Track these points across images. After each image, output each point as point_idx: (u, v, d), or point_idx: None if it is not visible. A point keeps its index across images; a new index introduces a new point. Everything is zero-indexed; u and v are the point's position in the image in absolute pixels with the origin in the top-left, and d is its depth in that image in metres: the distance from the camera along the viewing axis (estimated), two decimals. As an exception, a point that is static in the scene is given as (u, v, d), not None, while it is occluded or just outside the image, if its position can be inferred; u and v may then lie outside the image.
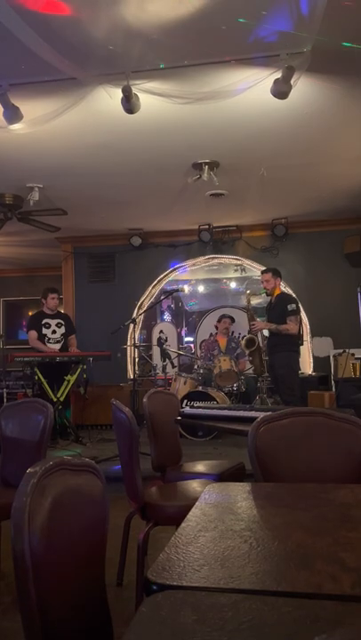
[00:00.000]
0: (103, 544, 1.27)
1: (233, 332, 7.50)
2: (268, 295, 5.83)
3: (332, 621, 0.82)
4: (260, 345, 5.95)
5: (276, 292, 5.77)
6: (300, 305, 5.92)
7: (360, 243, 6.91)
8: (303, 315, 7.40)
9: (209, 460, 3.49)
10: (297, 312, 5.60)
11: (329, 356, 7.22)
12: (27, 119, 3.79)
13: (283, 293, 5.93)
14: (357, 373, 6.71)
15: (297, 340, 5.61)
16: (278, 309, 5.58)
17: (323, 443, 1.96)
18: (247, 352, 6.10)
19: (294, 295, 6.45)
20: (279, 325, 5.48)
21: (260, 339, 6.03)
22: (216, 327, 7.47)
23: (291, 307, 5.52)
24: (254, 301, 6.57)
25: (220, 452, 5.37)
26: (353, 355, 6.81)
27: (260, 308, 6.88)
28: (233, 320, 7.40)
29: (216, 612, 0.85)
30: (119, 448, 2.67)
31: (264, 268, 6.13)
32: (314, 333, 7.41)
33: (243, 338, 6.89)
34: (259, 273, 7.78)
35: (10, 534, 1.02)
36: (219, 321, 7.39)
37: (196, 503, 1.43)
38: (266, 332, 5.99)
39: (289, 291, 7.22)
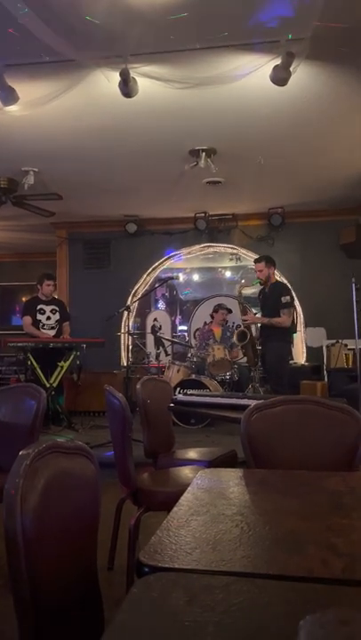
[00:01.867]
0: (95, 527, 1.27)
1: (227, 322, 7.49)
2: (261, 285, 5.68)
3: (322, 604, 0.82)
4: (253, 336, 5.92)
5: (271, 280, 5.61)
6: (294, 295, 5.86)
7: (356, 234, 6.91)
8: (297, 305, 7.41)
9: (201, 447, 3.51)
10: (291, 304, 5.46)
11: (322, 347, 7.25)
12: (23, 101, 3.75)
13: (277, 282, 5.78)
14: (350, 364, 6.74)
15: (290, 330, 5.55)
16: (272, 299, 5.46)
17: (315, 430, 1.97)
18: (239, 345, 6.06)
19: (288, 285, 6.41)
20: (271, 319, 5.38)
21: (253, 329, 6.00)
22: (212, 316, 7.45)
23: (285, 299, 5.38)
24: (249, 291, 6.53)
25: (212, 439, 5.39)
26: (346, 345, 6.84)
27: (253, 298, 6.86)
28: (230, 311, 7.38)
29: (207, 593, 0.86)
30: (112, 434, 2.68)
31: (256, 257, 5.97)
32: (307, 323, 7.42)
33: (236, 328, 6.88)
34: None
35: (2, 517, 1.01)
36: (216, 311, 7.35)
37: (189, 488, 1.44)
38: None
39: (284, 280, 7.21)
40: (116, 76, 3.47)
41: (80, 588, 1.19)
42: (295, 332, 5.74)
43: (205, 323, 7.73)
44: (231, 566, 0.97)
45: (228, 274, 8.90)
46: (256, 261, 5.75)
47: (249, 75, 3.50)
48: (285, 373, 5.56)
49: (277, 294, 5.43)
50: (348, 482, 1.54)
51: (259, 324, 5.86)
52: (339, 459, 1.88)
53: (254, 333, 5.99)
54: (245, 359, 6.30)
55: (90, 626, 1.18)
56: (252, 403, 2.11)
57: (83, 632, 1.16)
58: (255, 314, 6.05)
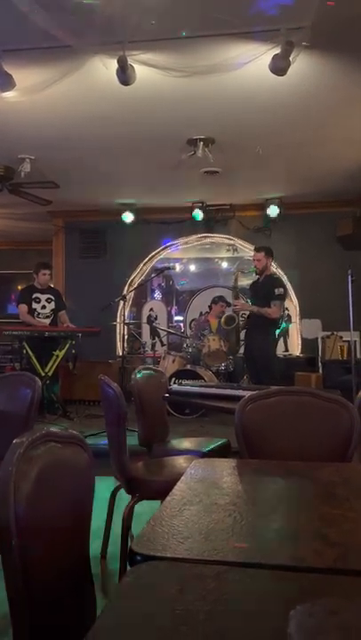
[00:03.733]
0: (88, 515, 1.28)
1: (224, 314, 7.49)
2: (257, 274, 5.63)
3: (314, 593, 0.83)
4: (239, 324, 5.85)
5: (266, 272, 5.59)
6: (287, 289, 5.80)
7: (353, 226, 6.90)
8: (293, 296, 7.42)
9: (195, 437, 3.52)
10: (283, 297, 5.43)
11: (317, 338, 7.26)
12: (19, 87, 3.70)
13: (272, 275, 5.73)
14: (345, 355, 6.76)
15: (276, 323, 5.47)
16: (265, 291, 5.42)
17: (309, 422, 1.98)
18: (226, 329, 5.98)
19: (282, 278, 6.37)
20: (261, 308, 5.33)
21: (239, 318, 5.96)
22: (210, 307, 7.44)
23: (278, 291, 5.35)
24: (244, 282, 6.49)
25: (206, 429, 5.41)
26: (341, 337, 6.86)
27: (245, 288, 6.82)
28: (229, 304, 7.37)
29: (199, 582, 0.86)
30: (107, 423, 2.68)
31: (256, 247, 5.94)
32: (303, 315, 7.43)
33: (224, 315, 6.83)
34: (251, 253, 7.76)
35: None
36: (215, 303, 7.33)
37: (182, 478, 1.44)
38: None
39: (280, 272, 7.21)
40: (113, 64, 3.44)
41: (73, 575, 1.19)
42: (280, 327, 5.66)
43: (201, 313, 7.73)
44: (223, 556, 0.97)
45: (224, 265, 8.87)
46: (256, 250, 5.70)
47: (248, 64, 3.47)
48: (274, 366, 5.52)
49: (271, 286, 5.39)
50: (342, 473, 1.55)
51: (245, 313, 5.77)
52: (332, 450, 1.89)
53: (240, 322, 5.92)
54: (227, 346, 6.25)
55: (83, 614, 1.19)
56: (247, 393, 2.12)
57: (76, 620, 1.17)
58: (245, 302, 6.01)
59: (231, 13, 3.11)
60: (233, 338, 5.82)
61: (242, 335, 5.88)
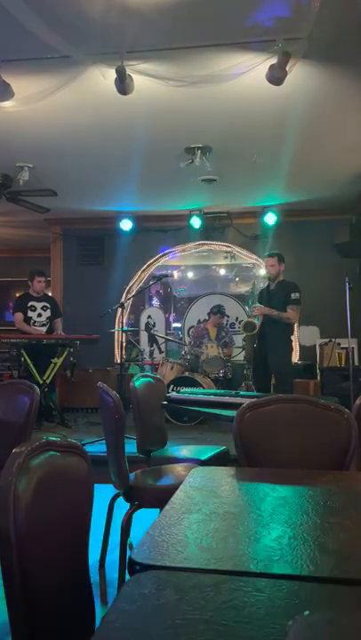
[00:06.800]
0: (87, 524, 1.28)
1: (221, 324, 7.52)
2: (271, 280, 5.49)
3: (311, 603, 0.84)
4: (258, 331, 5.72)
5: (279, 278, 5.46)
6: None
7: (350, 233, 6.92)
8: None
9: (194, 445, 3.52)
10: (300, 302, 5.33)
11: (315, 345, 7.27)
12: (18, 97, 3.73)
13: (285, 280, 5.56)
14: (342, 363, 6.77)
15: (292, 327, 5.42)
16: (280, 296, 5.31)
17: (307, 430, 1.99)
18: (244, 335, 5.74)
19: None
20: (281, 313, 5.21)
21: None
22: (209, 315, 7.47)
23: (295, 295, 5.25)
24: (244, 289, 6.46)
25: (205, 437, 5.41)
26: (339, 344, 6.87)
27: (246, 295, 6.82)
28: (227, 317, 7.40)
29: (198, 591, 0.86)
30: (105, 431, 2.68)
31: (268, 252, 5.73)
32: (301, 322, 7.44)
33: (230, 327, 6.78)
34: (248, 261, 7.80)
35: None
36: (215, 314, 7.35)
37: (181, 486, 1.44)
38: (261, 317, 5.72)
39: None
40: (112, 73, 3.46)
41: (72, 583, 1.19)
42: (292, 332, 5.62)
43: (199, 320, 7.75)
44: (222, 564, 0.98)
45: (222, 272, 8.90)
46: (269, 256, 5.55)
47: (245, 73, 3.50)
48: (291, 373, 5.44)
49: (288, 291, 5.29)
50: (339, 481, 1.55)
51: (259, 321, 5.67)
52: (330, 458, 1.89)
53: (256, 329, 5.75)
54: (243, 354, 6.15)
55: (82, 622, 1.19)
56: (246, 401, 2.12)
57: (75, 628, 1.17)
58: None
59: (228, 24, 3.14)
60: (250, 346, 5.59)
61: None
